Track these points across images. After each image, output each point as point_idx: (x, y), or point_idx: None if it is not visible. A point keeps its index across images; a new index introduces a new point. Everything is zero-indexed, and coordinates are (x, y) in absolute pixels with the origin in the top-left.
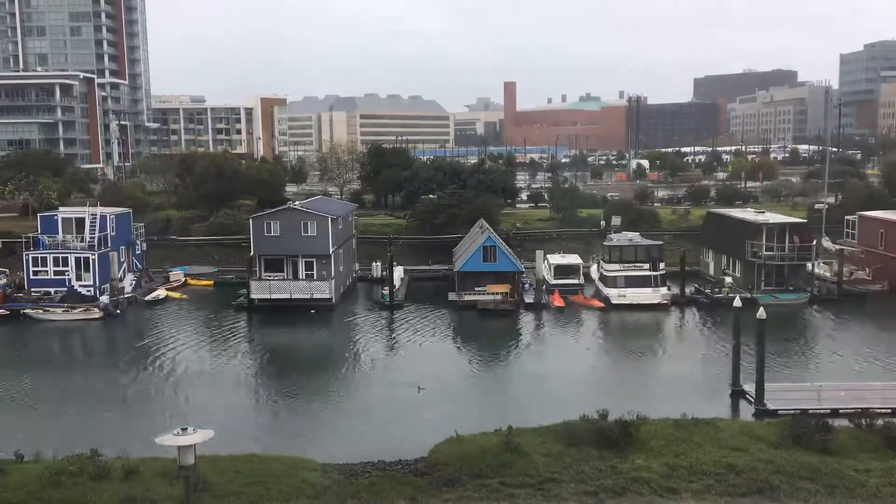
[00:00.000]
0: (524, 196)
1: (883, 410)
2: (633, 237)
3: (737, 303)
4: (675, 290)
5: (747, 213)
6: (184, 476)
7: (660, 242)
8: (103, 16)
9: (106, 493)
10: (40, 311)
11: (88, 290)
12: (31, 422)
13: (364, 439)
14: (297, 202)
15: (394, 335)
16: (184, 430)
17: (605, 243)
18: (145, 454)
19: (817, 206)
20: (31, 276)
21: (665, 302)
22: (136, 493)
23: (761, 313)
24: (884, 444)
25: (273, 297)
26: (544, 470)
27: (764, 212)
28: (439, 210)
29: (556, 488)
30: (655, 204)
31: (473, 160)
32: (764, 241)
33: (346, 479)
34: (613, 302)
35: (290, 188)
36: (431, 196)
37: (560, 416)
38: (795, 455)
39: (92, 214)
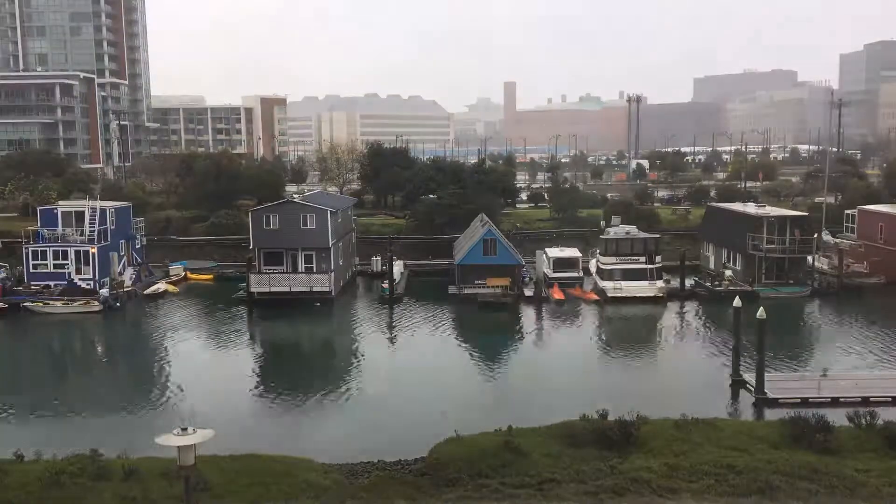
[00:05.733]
0: (524, 196)
1: (883, 399)
2: (630, 230)
3: (737, 303)
4: (675, 283)
5: (748, 207)
6: (184, 476)
7: (657, 235)
8: (103, 16)
9: (106, 493)
10: (40, 304)
11: (88, 284)
12: (31, 421)
13: (364, 439)
14: (296, 195)
15: (394, 330)
16: (184, 430)
17: (602, 236)
18: (145, 454)
19: (818, 199)
20: (31, 270)
21: (661, 295)
22: (136, 493)
23: (761, 313)
24: (884, 444)
25: (272, 290)
26: (544, 470)
27: (765, 205)
28: (439, 210)
29: (556, 488)
30: (655, 204)
31: (473, 160)
32: (765, 235)
33: (346, 479)
34: (609, 295)
35: (290, 188)
36: (431, 196)
37: (560, 416)
38: (795, 455)
39: (91, 208)
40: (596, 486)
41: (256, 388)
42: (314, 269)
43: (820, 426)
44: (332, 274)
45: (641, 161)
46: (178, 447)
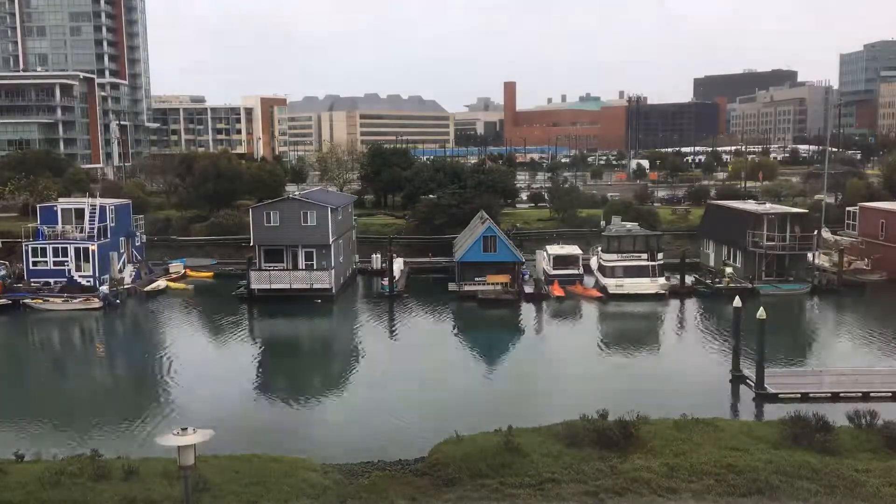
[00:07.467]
0: (524, 196)
1: (883, 394)
2: (632, 227)
3: (736, 303)
4: (675, 280)
5: (748, 204)
6: (184, 476)
7: (658, 233)
8: (103, 16)
9: (106, 494)
10: (40, 301)
11: (88, 281)
12: (32, 421)
13: (364, 439)
14: (296, 192)
15: (394, 328)
16: (184, 430)
17: (603, 233)
18: (145, 454)
19: (817, 196)
20: (31, 267)
21: (663, 292)
22: (136, 493)
23: (761, 313)
24: (884, 444)
25: (273, 287)
26: (544, 470)
27: (765, 202)
28: (439, 210)
29: (556, 488)
30: (655, 204)
31: (473, 160)
32: (765, 232)
33: (346, 479)
34: (611, 292)
35: (290, 188)
36: (432, 196)
37: (560, 416)
38: (795, 455)
39: (91, 205)
40: (596, 486)
41: (256, 386)
42: (314, 267)
43: (820, 426)
44: (333, 271)
45: (641, 161)
46: (178, 447)
